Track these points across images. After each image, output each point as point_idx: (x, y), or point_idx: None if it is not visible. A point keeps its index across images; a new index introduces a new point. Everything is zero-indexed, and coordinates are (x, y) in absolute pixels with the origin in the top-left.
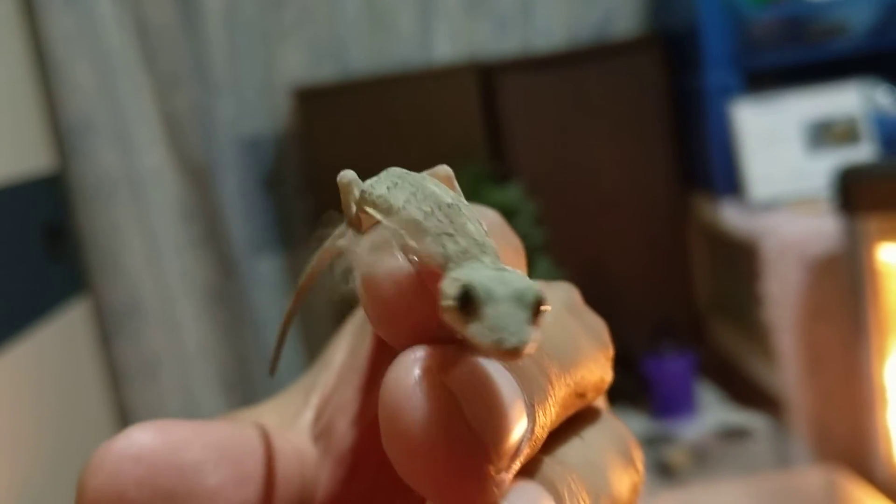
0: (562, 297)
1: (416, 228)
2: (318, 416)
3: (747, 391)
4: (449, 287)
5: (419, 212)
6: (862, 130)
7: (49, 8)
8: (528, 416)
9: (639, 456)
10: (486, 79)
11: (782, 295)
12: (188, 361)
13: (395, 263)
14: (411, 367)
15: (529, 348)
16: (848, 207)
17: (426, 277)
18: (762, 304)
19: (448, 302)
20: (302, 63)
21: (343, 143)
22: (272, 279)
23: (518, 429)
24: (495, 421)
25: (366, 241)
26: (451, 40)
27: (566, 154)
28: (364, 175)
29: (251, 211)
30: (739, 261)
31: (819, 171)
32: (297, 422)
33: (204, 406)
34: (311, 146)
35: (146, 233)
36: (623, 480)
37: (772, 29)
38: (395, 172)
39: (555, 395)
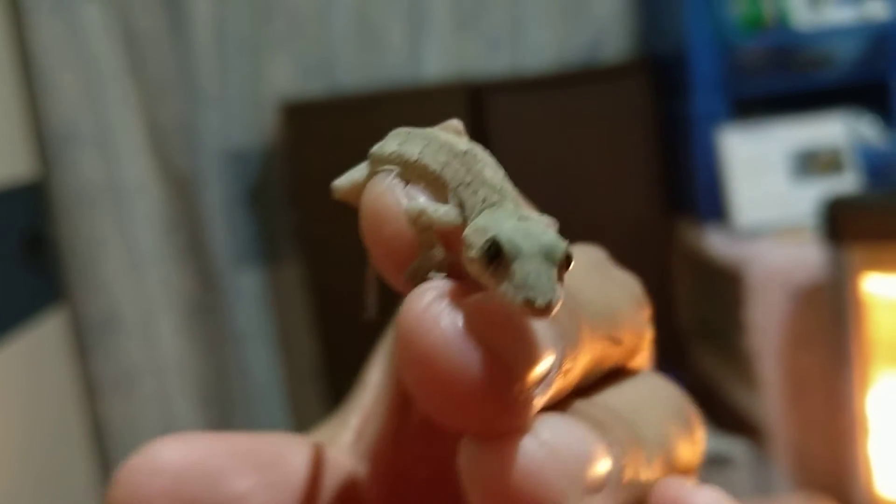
0: (590, 255)
1: (434, 180)
2: (359, 437)
3: (729, 418)
4: (474, 237)
5: (435, 162)
6: (846, 161)
7: (36, 14)
8: (555, 346)
9: (699, 425)
10: (475, 98)
11: (766, 322)
12: (166, 375)
13: (394, 201)
14: (425, 292)
15: (557, 306)
16: (834, 237)
17: (444, 233)
18: (745, 330)
19: (473, 253)
20: (290, 77)
21: (330, 158)
22: (254, 293)
23: (543, 353)
24: (518, 341)
25: (370, 186)
26: (440, 58)
27: (552, 175)
28: None
29: (234, 224)
30: (723, 287)
31: (804, 199)
32: (337, 442)
33: (181, 420)
34: (298, 161)
35: (127, 243)
36: (678, 437)
37: (759, 57)
38: (401, 130)
39: (582, 334)
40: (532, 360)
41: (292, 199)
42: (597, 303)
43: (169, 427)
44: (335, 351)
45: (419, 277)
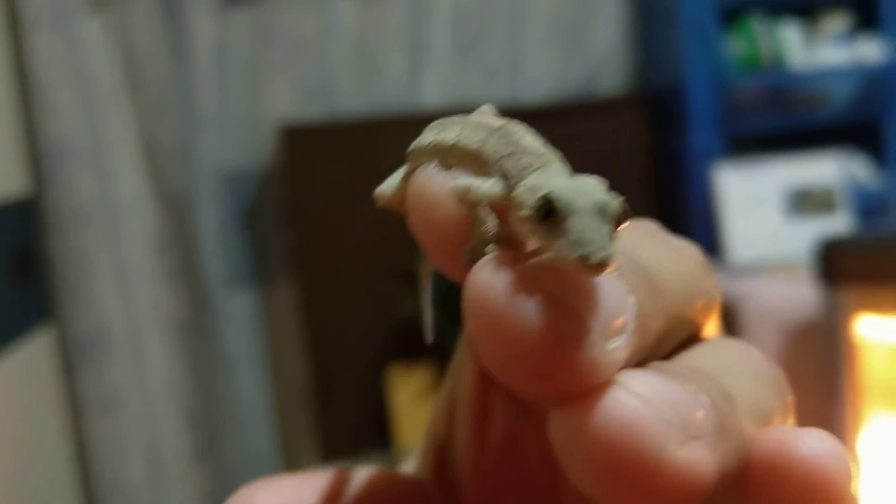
0: (646, 225)
1: (476, 159)
2: (439, 463)
3: None
4: (525, 196)
5: (473, 142)
6: (838, 200)
7: (35, 29)
8: (625, 298)
9: (789, 390)
10: None
11: None
12: (152, 396)
13: (439, 185)
14: (486, 264)
15: (613, 263)
16: (828, 278)
17: (494, 206)
18: None
19: (525, 212)
20: (289, 100)
21: (326, 182)
22: (245, 316)
23: (614, 302)
24: (587, 291)
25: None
26: (439, 86)
27: None
28: (349, 219)
29: (227, 246)
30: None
31: (797, 237)
32: (419, 471)
33: (167, 443)
34: (294, 184)
35: (118, 262)
36: (769, 397)
37: (755, 96)
38: (435, 122)
39: (653, 291)
40: (604, 307)
41: (288, 222)
42: (663, 264)
43: (155, 450)
44: (326, 375)
45: (476, 256)
